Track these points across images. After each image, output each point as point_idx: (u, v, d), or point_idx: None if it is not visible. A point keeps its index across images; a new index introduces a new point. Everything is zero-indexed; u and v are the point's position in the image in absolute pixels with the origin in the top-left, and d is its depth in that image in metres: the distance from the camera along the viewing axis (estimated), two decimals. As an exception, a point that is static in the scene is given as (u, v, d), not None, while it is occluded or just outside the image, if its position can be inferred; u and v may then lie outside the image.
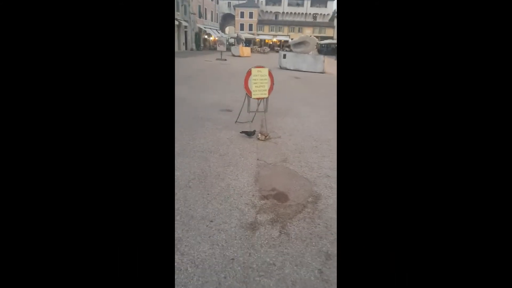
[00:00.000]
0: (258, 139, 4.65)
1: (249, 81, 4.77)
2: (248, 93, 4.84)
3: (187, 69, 14.54)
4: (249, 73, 4.71)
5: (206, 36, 43.25)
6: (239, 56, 28.15)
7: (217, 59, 21.69)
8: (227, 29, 51.27)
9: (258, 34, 56.31)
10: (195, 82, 10.28)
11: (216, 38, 29.81)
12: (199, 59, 21.60)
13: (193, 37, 38.43)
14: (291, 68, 17.34)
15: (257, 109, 5.32)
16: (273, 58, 24.07)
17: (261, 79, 4.77)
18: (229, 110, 6.44)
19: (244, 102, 5.13)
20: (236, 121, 5.50)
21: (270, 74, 4.89)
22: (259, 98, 4.96)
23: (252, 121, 5.64)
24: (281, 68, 17.75)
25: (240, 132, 4.66)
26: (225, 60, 21.47)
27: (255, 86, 4.78)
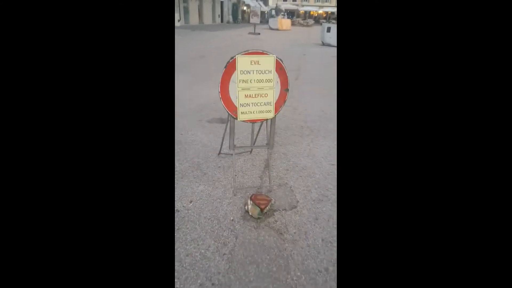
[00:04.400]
0: (247, 212, 2.10)
1: (231, 85, 2.15)
2: (230, 111, 2.22)
3: (206, 46, 11.99)
4: (231, 65, 2.08)
5: (245, 8, 39.67)
6: (277, 29, 24.79)
7: (249, 33, 18.76)
8: (270, 0, 46.96)
9: (302, 5, 51.21)
10: (202, 66, 7.76)
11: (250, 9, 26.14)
12: (229, 33, 18.84)
13: (230, 8, 35.29)
14: (336, 45, 13.99)
15: (253, 141, 2.68)
16: (317, 32, 20.52)
17: (258, 81, 2.12)
18: (223, 121, 3.87)
19: (226, 127, 2.54)
20: (219, 153, 2.95)
21: (279, 67, 2.19)
22: (254, 121, 2.32)
23: (250, 152, 3.05)
24: (324, 44, 14.48)
25: None
26: (258, 34, 18.47)
27: (245, 96, 2.15)
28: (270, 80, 2.15)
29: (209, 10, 30.04)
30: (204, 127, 3.66)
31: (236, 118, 2.22)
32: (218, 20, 32.25)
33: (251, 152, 3.03)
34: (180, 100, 4.61)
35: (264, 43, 13.97)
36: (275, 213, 2.14)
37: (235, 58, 2.04)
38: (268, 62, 2.09)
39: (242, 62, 2.05)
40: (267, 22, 29.36)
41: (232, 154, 2.53)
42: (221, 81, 2.12)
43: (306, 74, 7.40)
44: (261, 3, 43.23)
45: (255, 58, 2.06)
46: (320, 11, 50.11)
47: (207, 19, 29.52)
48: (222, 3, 32.72)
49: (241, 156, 2.96)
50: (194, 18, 26.66)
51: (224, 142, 2.87)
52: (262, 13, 32.86)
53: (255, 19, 19.43)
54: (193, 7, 26.24)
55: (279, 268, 1.68)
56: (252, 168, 2.77)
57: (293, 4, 50.11)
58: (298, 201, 2.30)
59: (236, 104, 2.18)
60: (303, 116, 4.26)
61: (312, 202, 2.29)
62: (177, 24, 22.58)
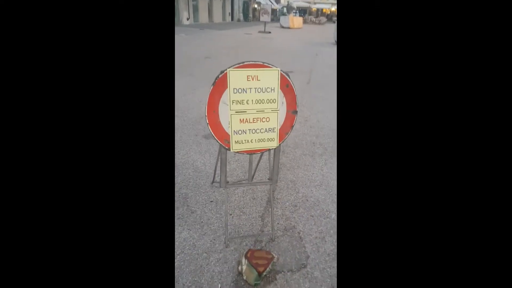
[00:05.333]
0: (241, 275, 1.59)
1: (221, 106, 1.63)
2: (220, 140, 1.71)
3: (213, 46, 11.51)
4: (221, 82, 1.56)
5: (256, 6, 38.96)
6: (289, 27, 24.10)
7: (259, 32, 18.19)
8: (282, -2, 46.01)
9: (314, 3, 50.15)
10: (206, 68, 7.27)
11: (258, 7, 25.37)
12: (239, 32, 18.30)
13: (241, 6, 34.70)
14: (350, 44, 13.29)
15: (251, 176, 2.14)
16: (330, 30, 19.80)
17: (257, 101, 1.60)
18: (222, 137, 3.36)
19: (218, 158, 2.04)
20: (212, 182, 2.44)
21: (285, 84, 1.66)
22: (252, 152, 1.80)
23: (252, 179, 2.52)
24: (336, 43, 13.80)
25: None
26: (269, 32, 17.88)
27: (240, 121, 1.63)
28: (273, 101, 1.63)
29: (219, 8, 29.53)
30: (200, 144, 3.16)
31: (229, 149, 1.71)
32: (228, 18, 31.71)
33: (252, 178, 2.51)
34: (177, 109, 4.13)
35: (274, 43, 13.39)
36: (277, 276, 1.62)
37: (226, 72, 1.52)
38: (270, 78, 1.56)
39: (236, 77, 1.53)
40: (278, 20, 28.69)
41: (225, 186, 2.02)
42: (208, 102, 1.60)
43: (319, 77, 6.82)
44: (273, 0, 42.47)
45: (252, 72, 1.53)
46: (333, 9, 48.94)
47: (217, 17, 29.04)
48: (232, 1, 32.17)
49: (240, 185, 2.45)
50: (203, 17, 26.21)
51: (218, 167, 2.36)
52: (273, 11, 32.25)
53: (265, 17, 18.83)
54: (202, 5, 25.78)
55: None
56: (252, 203, 2.25)
57: (305, 2, 49.09)
58: (308, 256, 1.77)
59: (229, 131, 1.66)
60: (315, 130, 3.72)
61: (327, 258, 1.76)
62: (185, 22, 22.17)
